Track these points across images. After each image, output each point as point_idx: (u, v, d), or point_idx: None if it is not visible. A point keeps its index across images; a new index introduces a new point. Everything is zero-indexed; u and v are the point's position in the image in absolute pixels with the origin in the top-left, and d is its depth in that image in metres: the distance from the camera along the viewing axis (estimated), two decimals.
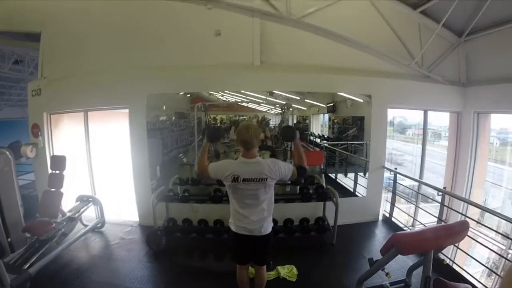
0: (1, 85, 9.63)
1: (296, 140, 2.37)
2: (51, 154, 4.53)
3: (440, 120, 6.68)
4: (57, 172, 3.76)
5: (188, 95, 4.38)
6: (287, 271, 3.15)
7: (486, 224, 4.01)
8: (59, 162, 3.78)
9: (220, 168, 2.20)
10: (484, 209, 3.33)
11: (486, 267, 3.50)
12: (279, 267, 3.17)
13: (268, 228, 2.27)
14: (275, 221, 3.45)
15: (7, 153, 3.48)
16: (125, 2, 4.28)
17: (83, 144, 4.82)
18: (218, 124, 4.50)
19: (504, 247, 4.49)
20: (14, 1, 4.62)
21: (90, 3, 4.36)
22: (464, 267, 3.40)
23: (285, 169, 2.20)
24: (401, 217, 4.71)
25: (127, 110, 4.32)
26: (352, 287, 2.81)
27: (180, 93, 4.40)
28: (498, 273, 4.11)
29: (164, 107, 4.40)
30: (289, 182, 2.32)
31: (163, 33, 4.31)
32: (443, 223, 3.72)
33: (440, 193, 3.79)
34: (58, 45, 4.59)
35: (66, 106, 4.63)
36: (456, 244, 3.22)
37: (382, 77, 4.45)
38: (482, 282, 3.22)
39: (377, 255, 2.45)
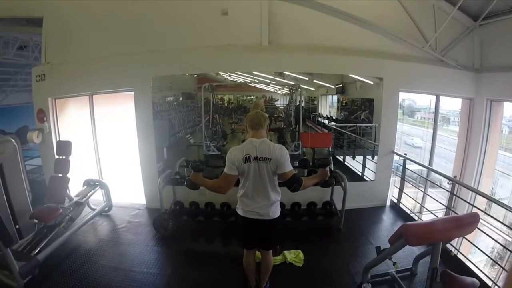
0: (6, 71, 9.58)
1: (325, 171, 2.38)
2: (57, 139, 4.51)
3: (449, 104, 6.52)
4: (63, 157, 3.74)
5: (195, 75, 4.29)
6: (294, 256, 3.13)
7: (494, 214, 3.96)
8: (64, 147, 3.76)
9: (232, 163, 2.12)
10: (493, 201, 3.26)
11: (491, 258, 3.48)
12: (285, 252, 3.16)
13: (276, 212, 2.25)
14: (282, 205, 3.42)
15: (13, 140, 3.45)
16: None
17: (89, 128, 4.79)
18: (226, 105, 4.45)
19: (510, 239, 4.46)
20: None
21: None
22: (469, 256, 3.38)
23: (285, 161, 2.11)
24: (408, 202, 4.65)
25: (132, 93, 4.26)
26: (359, 274, 2.79)
27: (187, 74, 4.32)
28: (503, 263, 4.08)
29: (171, 87, 4.32)
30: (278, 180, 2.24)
31: (169, 13, 4.16)
32: (451, 212, 3.69)
33: (450, 182, 3.73)
34: (61, 30, 4.48)
35: (70, 90, 4.57)
36: None
37: (394, 60, 4.29)
38: (486, 271, 3.21)
39: (384, 242, 2.44)
